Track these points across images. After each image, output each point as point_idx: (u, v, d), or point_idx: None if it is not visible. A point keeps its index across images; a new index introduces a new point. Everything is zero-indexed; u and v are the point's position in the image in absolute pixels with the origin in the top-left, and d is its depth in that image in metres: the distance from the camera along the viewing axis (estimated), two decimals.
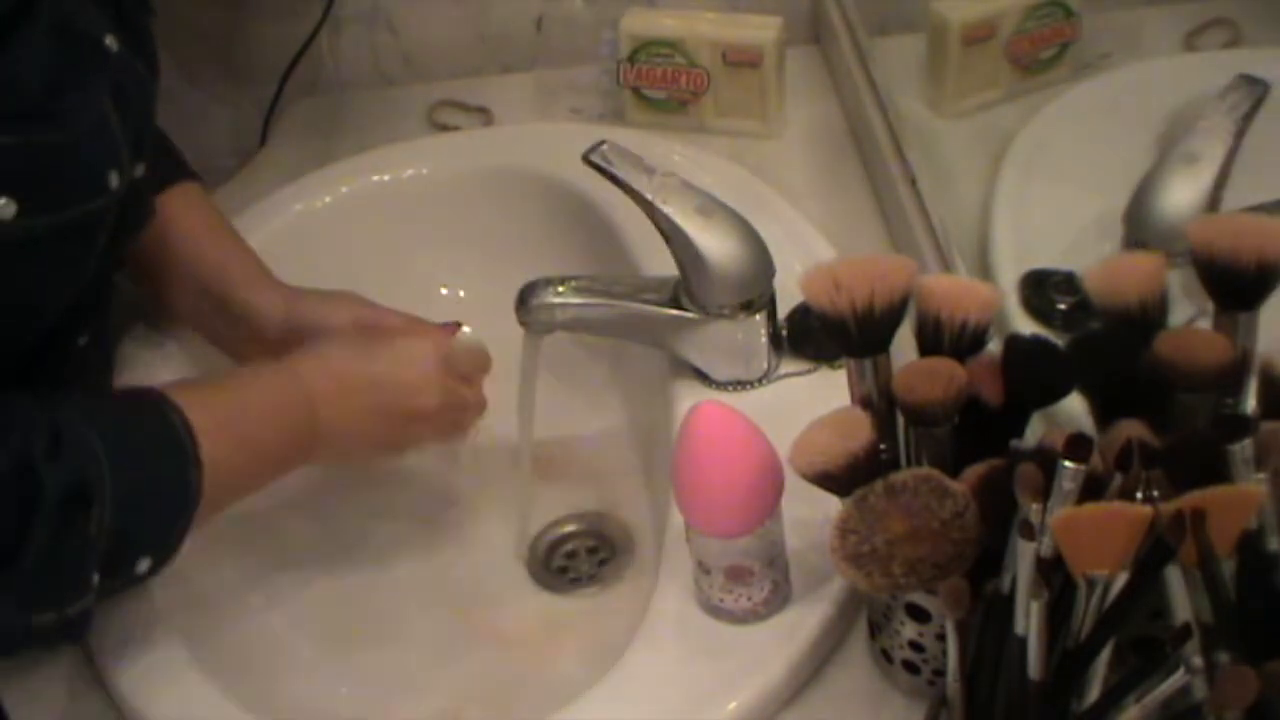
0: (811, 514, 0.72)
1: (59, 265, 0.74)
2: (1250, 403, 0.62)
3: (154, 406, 0.73)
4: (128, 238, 0.83)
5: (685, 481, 0.71)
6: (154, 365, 0.95)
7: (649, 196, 0.84)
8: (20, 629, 0.68)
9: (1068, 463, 0.56)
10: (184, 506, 0.72)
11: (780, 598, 0.75)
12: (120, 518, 0.68)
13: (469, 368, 0.88)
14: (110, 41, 0.76)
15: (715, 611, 0.75)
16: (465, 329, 0.89)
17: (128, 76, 0.78)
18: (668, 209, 0.84)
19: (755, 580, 0.73)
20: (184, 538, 0.73)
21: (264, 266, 0.94)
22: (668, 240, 0.85)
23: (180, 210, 0.91)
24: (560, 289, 0.89)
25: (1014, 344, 0.64)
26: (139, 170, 0.81)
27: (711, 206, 0.85)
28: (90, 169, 0.72)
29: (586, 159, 0.85)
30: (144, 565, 0.72)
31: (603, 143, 0.85)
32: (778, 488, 0.71)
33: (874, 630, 0.75)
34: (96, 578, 0.69)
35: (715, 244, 0.84)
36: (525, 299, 0.89)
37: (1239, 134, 0.78)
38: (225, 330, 0.94)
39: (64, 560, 0.67)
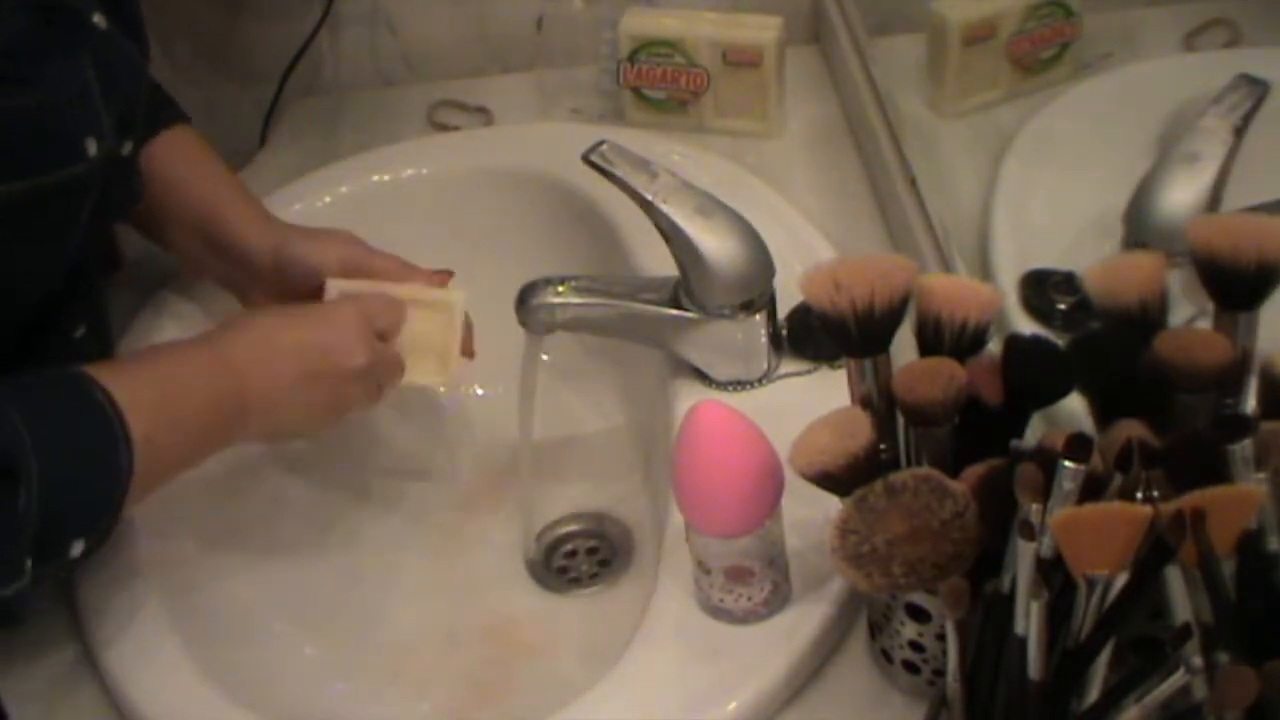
0: (811, 514, 0.73)
1: (39, 237, 0.74)
2: (1250, 403, 0.62)
3: (78, 385, 0.71)
4: (112, 217, 0.83)
5: (685, 481, 0.71)
6: None
7: (648, 196, 0.84)
8: None
9: (1068, 463, 0.56)
10: (115, 487, 0.70)
11: (780, 598, 0.75)
12: (49, 499, 0.66)
13: (387, 324, 0.88)
14: (98, 19, 0.76)
15: (715, 612, 0.75)
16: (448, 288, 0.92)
17: (115, 55, 0.78)
18: (667, 209, 0.84)
19: (755, 580, 0.73)
20: (117, 519, 0.72)
21: (255, 204, 0.95)
22: (667, 240, 0.85)
23: (171, 154, 0.92)
24: (560, 289, 0.89)
25: (1014, 344, 0.64)
26: (126, 148, 0.81)
27: (711, 206, 0.85)
28: (68, 134, 0.72)
29: (586, 159, 0.85)
30: (77, 548, 0.70)
31: (602, 142, 0.85)
32: (778, 488, 0.71)
33: (874, 630, 0.75)
34: (29, 561, 0.67)
35: (715, 244, 0.84)
36: (525, 299, 0.89)
37: (1239, 133, 0.78)
38: (222, 268, 0.95)
39: None
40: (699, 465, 0.70)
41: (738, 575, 0.73)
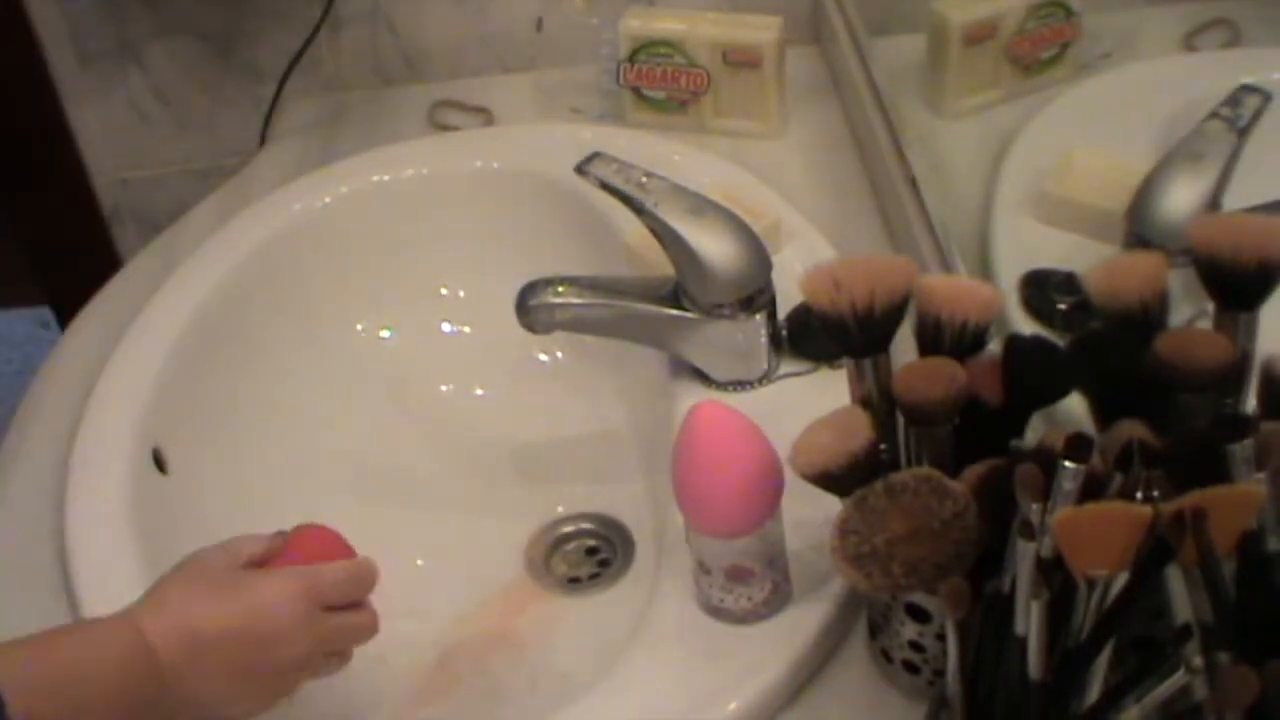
0: (812, 514, 0.72)
1: None
2: (1251, 403, 0.62)
3: None
4: None
5: (685, 481, 0.71)
6: None
7: (642, 201, 0.84)
8: None
9: (1068, 463, 0.56)
10: None
11: (780, 598, 0.75)
12: None
13: (347, 597, 0.74)
14: None
15: (716, 611, 0.75)
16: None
17: None
18: (660, 212, 0.84)
19: (755, 580, 0.73)
20: None
21: None
22: (662, 243, 0.85)
23: None
24: (560, 289, 0.89)
25: (1014, 344, 0.64)
26: None
27: (703, 206, 0.85)
28: None
29: (579, 171, 0.86)
30: None
31: (595, 155, 0.86)
32: (778, 488, 0.71)
33: (874, 630, 0.75)
34: None
35: (709, 244, 0.84)
36: (525, 299, 0.89)
37: (1242, 134, 0.78)
38: None
39: None
40: (699, 465, 0.70)
41: (738, 575, 0.73)
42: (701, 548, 0.73)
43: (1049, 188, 0.89)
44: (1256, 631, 0.53)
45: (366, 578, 0.75)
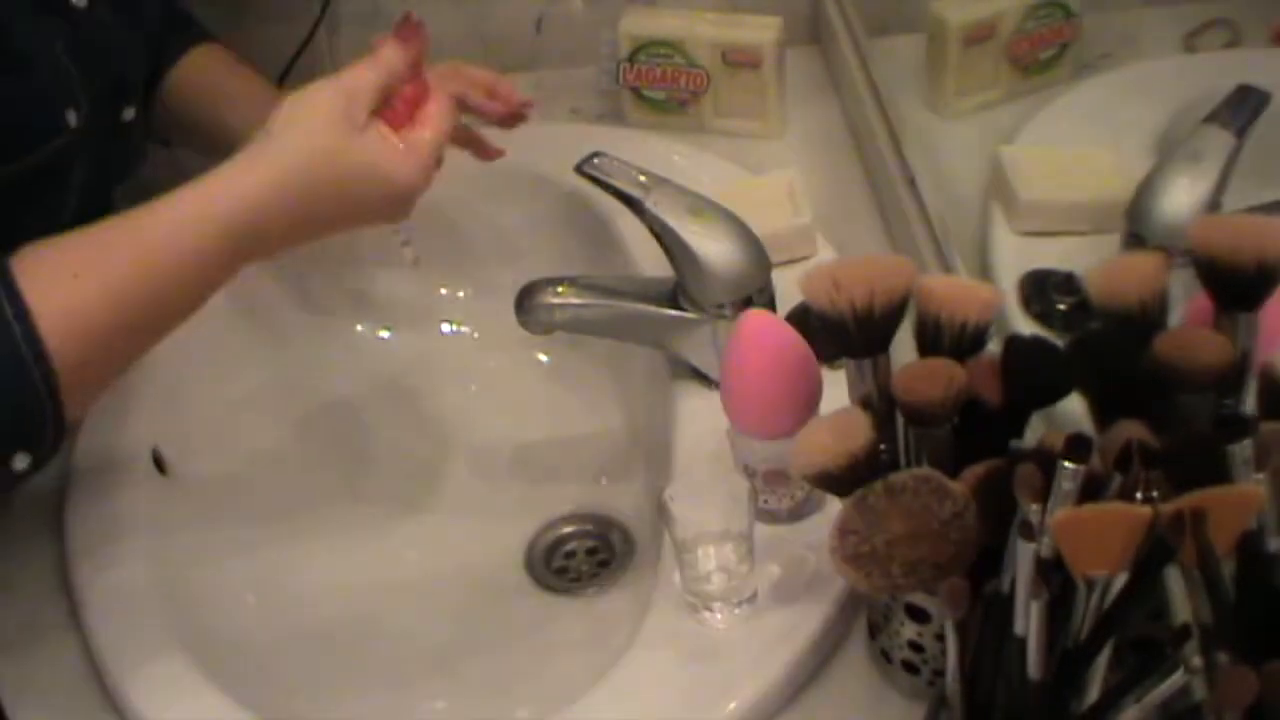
0: (812, 513, 0.73)
1: (31, 208, 0.77)
2: (1250, 403, 0.62)
3: None
4: (115, 180, 0.85)
5: (734, 386, 0.76)
6: None
7: (641, 201, 0.84)
8: None
9: (1067, 463, 0.56)
10: (24, 408, 0.67)
11: (813, 503, 0.79)
12: None
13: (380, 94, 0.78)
14: (78, 1, 0.81)
15: (761, 514, 0.79)
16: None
17: (98, 31, 0.82)
18: (659, 211, 0.84)
19: (793, 482, 0.77)
20: (58, 434, 0.69)
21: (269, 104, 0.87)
22: (661, 243, 0.85)
23: (192, 76, 0.99)
24: (559, 289, 0.89)
25: (1014, 344, 0.64)
26: (128, 114, 0.84)
27: (702, 207, 0.85)
28: (47, 108, 0.76)
29: (579, 170, 0.86)
30: (21, 462, 0.68)
31: (595, 154, 0.86)
32: (817, 393, 0.75)
33: (874, 631, 0.75)
34: None
35: (709, 244, 0.84)
36: (524, 300, 0.89)
37: (1241, 134, 0.78)
38: None
39: None
40: (747, 370, 0.75)
41: (776, 479, 0.77)
42: (745, 450, 0.77)
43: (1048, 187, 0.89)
44: (1256, 632, 0.53)
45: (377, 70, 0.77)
